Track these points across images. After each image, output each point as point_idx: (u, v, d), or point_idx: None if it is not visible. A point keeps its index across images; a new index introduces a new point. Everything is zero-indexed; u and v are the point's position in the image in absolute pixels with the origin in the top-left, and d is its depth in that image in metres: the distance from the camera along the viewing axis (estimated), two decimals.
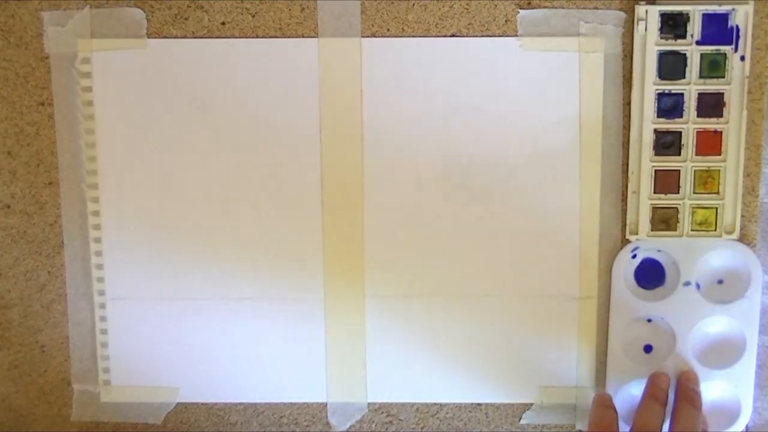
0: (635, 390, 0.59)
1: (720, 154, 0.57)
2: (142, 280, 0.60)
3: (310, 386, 0.61)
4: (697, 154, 0.57)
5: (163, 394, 0.62)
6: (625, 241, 0.59)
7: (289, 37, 0.58)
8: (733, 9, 0.56)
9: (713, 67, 0.56)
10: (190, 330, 0.61)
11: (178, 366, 0.61)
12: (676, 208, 0.58)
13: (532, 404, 0.61)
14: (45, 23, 0.58)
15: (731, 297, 0.58)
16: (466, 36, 0.58)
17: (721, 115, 0.57)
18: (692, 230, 0.58)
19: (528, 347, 0.60)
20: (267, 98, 0.58)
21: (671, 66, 0.56)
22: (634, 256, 0.59)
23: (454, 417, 0.61)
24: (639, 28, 0.56)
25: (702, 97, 0.57)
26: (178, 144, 0.59)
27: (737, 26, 0.56)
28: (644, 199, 0.58)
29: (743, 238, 0.58)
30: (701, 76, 0.57)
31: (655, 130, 0.57)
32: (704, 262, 0.58)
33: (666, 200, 0.58)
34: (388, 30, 0.58)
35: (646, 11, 0.56)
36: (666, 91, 0.57)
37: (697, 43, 0.56)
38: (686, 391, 0.57)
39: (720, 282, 0.59)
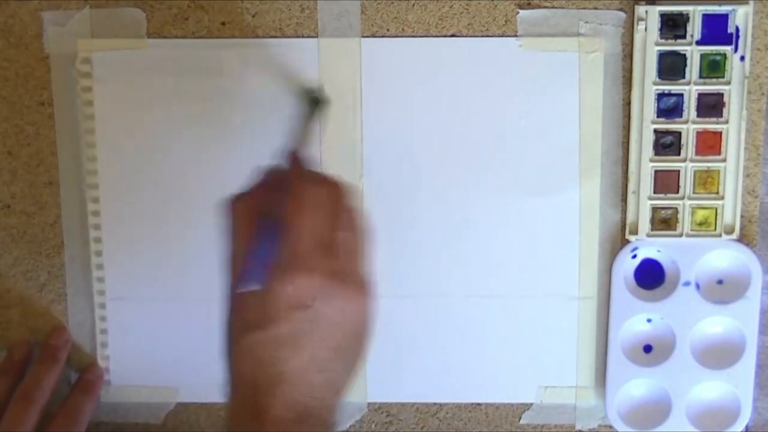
0: (635, 390, 0.59)
1: (720, 154, 0.57)
2: (142, 280, 0.60)
3: None
4: (696, 155, 0.57)
5: (163, 394, 0.61)
6: (625, 241, 0.59)
7: (289, 37, 0.58)
8: (733, 9, 0.56)
9: (713, 67, 0.56)
10: (190, 330, 0.61)
11: (178, 366, 0.61)
12: (676, 208, 0.58)
13: (532, 404, 0.61)
14: (45, 23, 0.58)
15: (731, 297, 0.58)
16: (466, 36, 0.58)
17: (721, 115, 0.57)
18: (692, 230, 0.58)
19: (528, 347, 0.60)
20: (267, 98, 0.58)
21: (671, 66, 0.56)
22: (634, 256, 0.59)
23: (454, 417, 0.61)
24: (639, 28, 0.56)
25: (702, 97, 0.57)
26: (178, 144, 0.59)
27: (737, 26, 0.56)
28: (644, 199, 0.58)
29: (743, 238, 0.58)
30: (701, 77, 0.56)
31: (655, 130, 0.57)
32: (704, 262, 0.58)
33: (666, 200, 0.58)
34: (388, 30, 0.58)
35: (646, 11, 0.56)
36: (666, 92, 0.57)
37: (697, 43, 0.56)
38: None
39: (720, 282, 0.59)
